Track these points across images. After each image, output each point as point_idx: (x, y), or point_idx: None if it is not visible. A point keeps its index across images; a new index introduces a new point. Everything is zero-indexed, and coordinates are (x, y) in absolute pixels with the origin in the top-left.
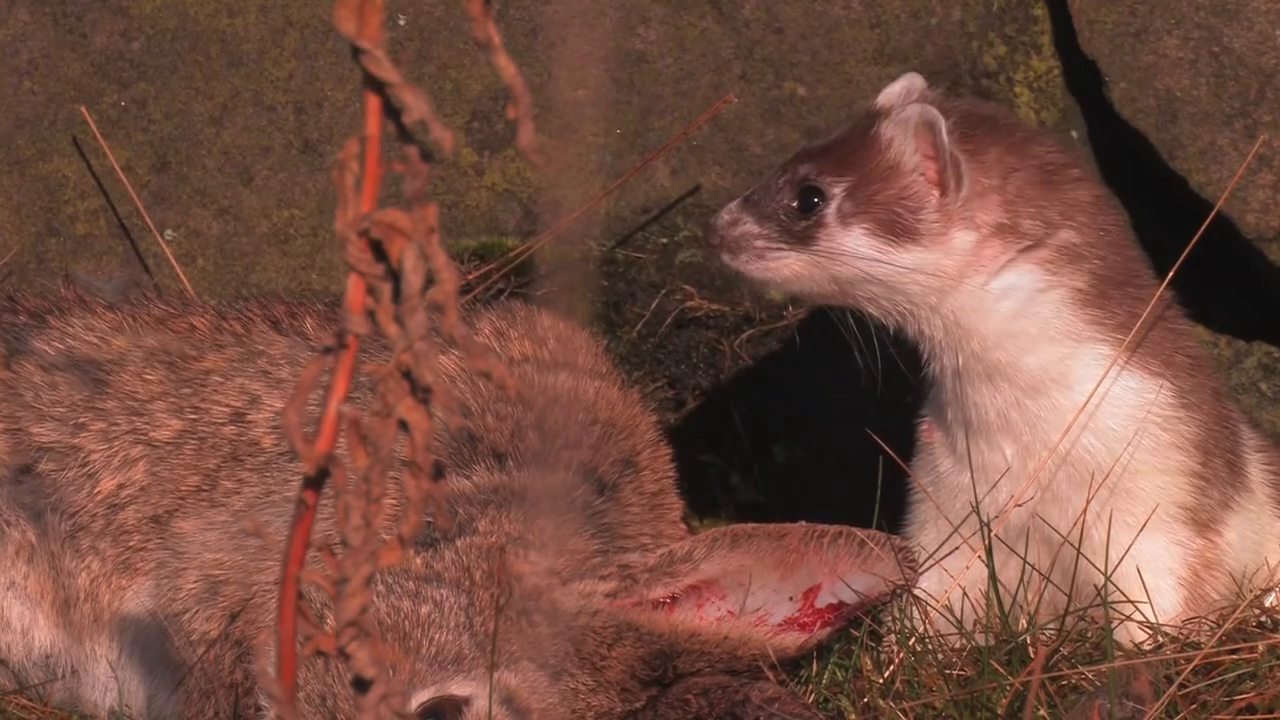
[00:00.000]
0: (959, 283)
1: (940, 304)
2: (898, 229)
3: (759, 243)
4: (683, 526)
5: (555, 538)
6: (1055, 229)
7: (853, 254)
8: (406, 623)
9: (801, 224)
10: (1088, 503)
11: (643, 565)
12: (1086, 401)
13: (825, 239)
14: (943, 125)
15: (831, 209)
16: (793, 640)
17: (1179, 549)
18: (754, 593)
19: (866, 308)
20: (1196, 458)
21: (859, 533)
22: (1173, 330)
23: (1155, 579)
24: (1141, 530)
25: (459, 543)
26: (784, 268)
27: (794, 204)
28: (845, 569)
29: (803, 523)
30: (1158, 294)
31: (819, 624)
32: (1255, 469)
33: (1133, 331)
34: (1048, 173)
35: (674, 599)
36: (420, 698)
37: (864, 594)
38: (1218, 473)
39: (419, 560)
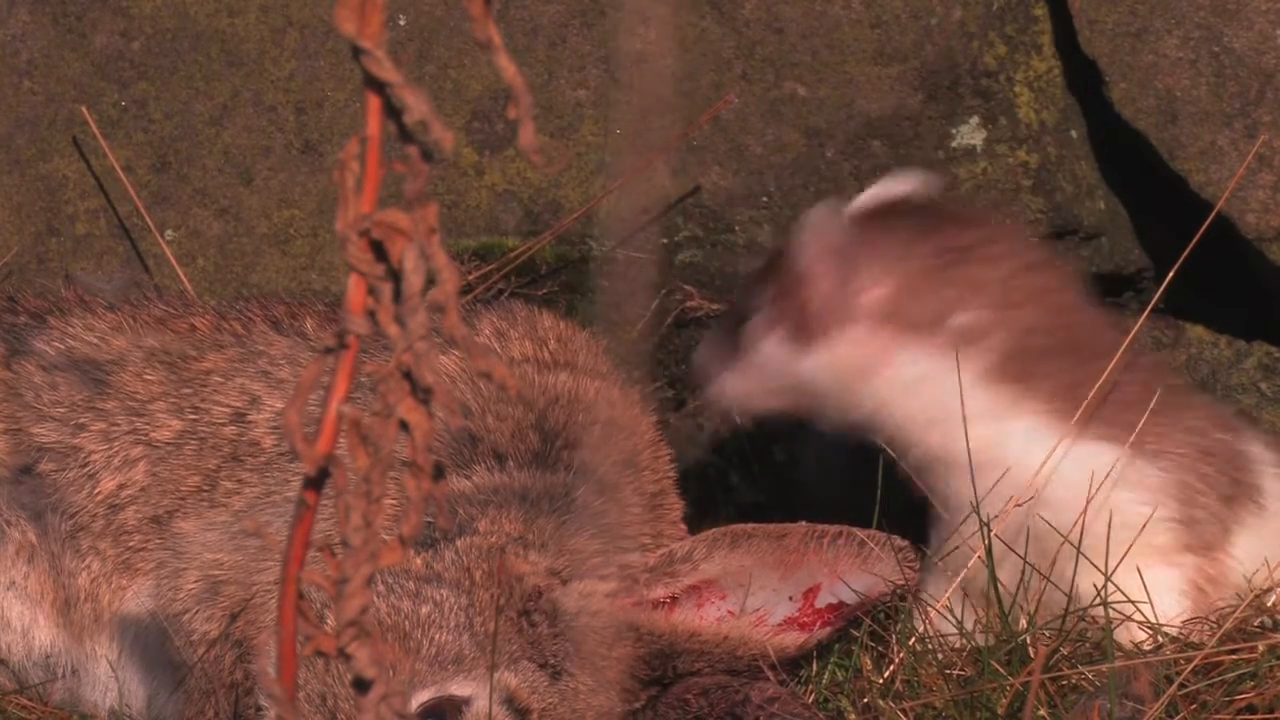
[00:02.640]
0: (867, 377)
1: (860, 400)
2: (804, 332)
3: (714, 367)
4: (683, 527)
5: (555, 538)
6: (950, 312)
7: (770, 362)
8: (406, 623)
9: (739, 340)
10: (1052, 563)
11: (643, 565)
12: (1043, 467)
13: (753, 352)
14: (837, 222)
15: (758, 321)
16: (793, 640)
17: (1177, 570)
18: (754, 593)
19: (816, 414)
20: (1173, 505)
21: (859, 533)
22: (1137, 377)
23: (1156, 595)
24: (1126, 558)
25: (459, 543)
26: (731, 388)
27: (736, 323)
28: (845, 569)
29: (803, 523)
30: (1158, 293)
31: (819, 624)
32: (1276, 486)
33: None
34: (948, 256)
35: (674, 599)
36: (420, 698)
37: (864, 594)
38: (1209, 509)
39: (419, 560)
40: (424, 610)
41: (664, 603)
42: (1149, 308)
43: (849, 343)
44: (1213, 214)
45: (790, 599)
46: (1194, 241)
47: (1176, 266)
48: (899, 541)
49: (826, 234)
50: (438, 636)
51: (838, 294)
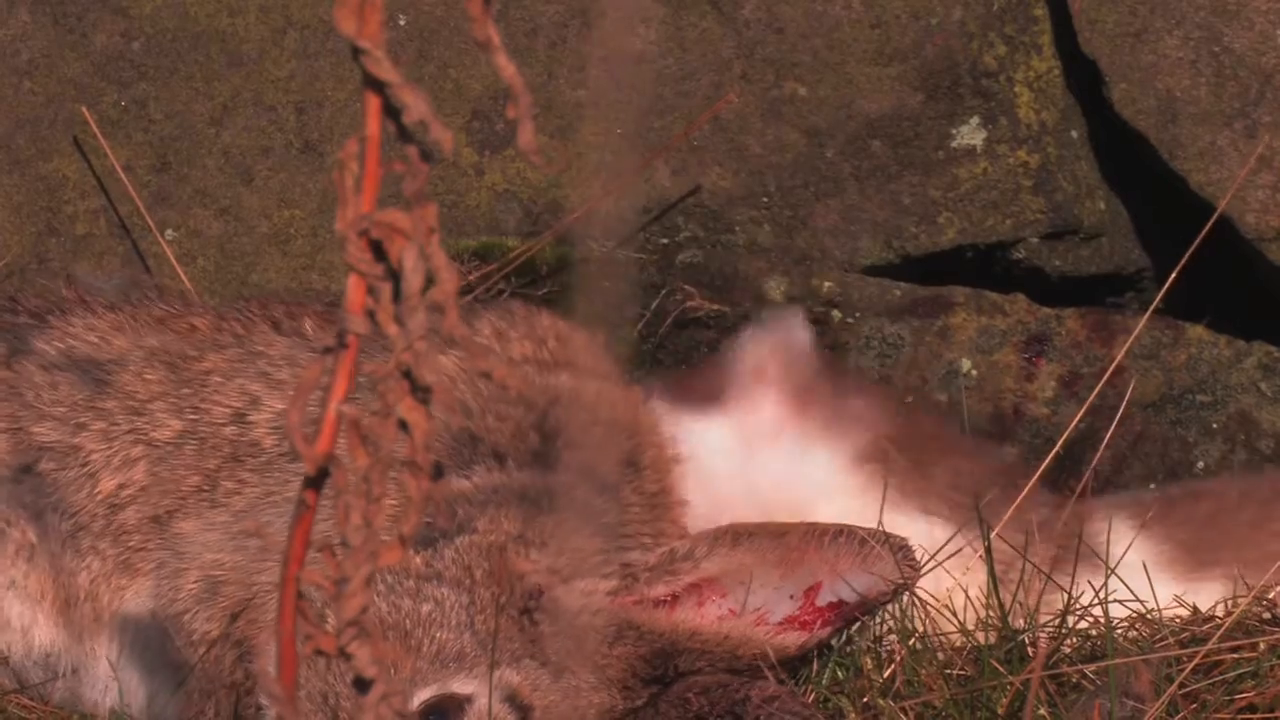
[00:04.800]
0: (757, 447)
1: (744, 471)
2: (704, 393)
3: None
4: (684, 525)
5: (556, 536)
6: (847, 397)
7: None
8: (408, 621)
9: None
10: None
11: (644, 564)
12: None
13: None
14: (798, 323)
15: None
16: (794, 639)
17: None
18: (755, 591)
19: None
20: None
21: (859, 531)
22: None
23: None
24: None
25: (459, 541)
26: None
27: None
28: (846, 567)
29: (803, 521)
30: (1160, 294)
31: (819, 623)
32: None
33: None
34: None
35: (675, 597)
36: (422, 696)
37: (864, 593)
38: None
39: (419, 559)
40: (425, 608)
41: (665, 601)
42: (1150, 308)
43: (753, 406)
44: (1215, 215)
45: (791, 597)
46: (1196, 242)
47: (1179, 268)
48: (899, 540)
49: (788, 329)
50: (439, 635)
51: (763, 368)
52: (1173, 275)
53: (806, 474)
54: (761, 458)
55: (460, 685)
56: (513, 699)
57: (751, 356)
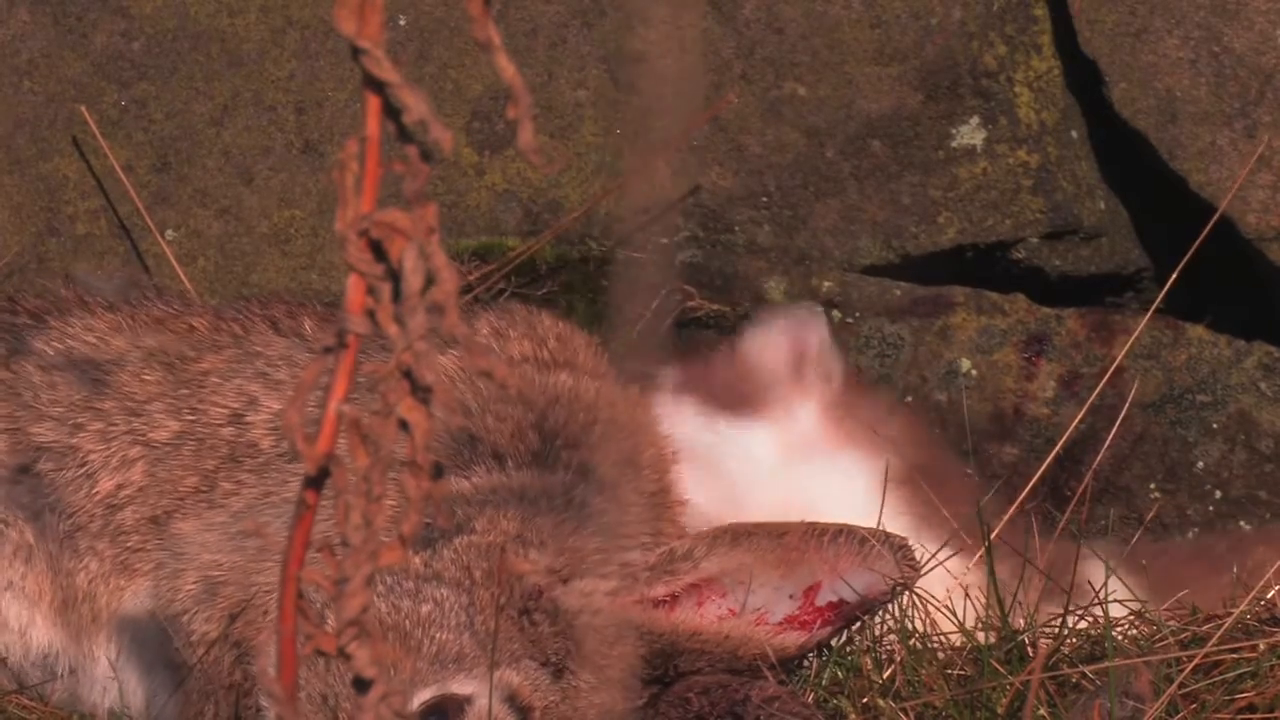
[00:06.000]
0: (804, 459)
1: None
2: (740, 402)
3: None
4: (683, 524)
5: (554, 536)
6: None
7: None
8: (407, 622)
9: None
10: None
11: (643, 564)
12: None
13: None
14: (817, 322)
15: (665, 379)
16: (794, 640)
17: None
18: (754, 591)
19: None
20: None
21: (859, 530)
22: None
23: None
24: None
25: (457, 542)
26: None
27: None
28: (845, 567)
29: (803, 520)
30: (1161, 295)
31: (819, 622)
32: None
33: None
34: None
35: (675, 597)
36: (422, 697)
37: (864, 593)
38: None
39: (418, 559)
40: (424, 609)
41: (665, 601)
42: (1150, 308)
43: (802, 419)
44: (1216, 216)
45: (791, 597)
46: (1197, 243)
47: (1180, 268)
48: (898, 539)
49: (806, 329)
50: (438, 635)
51: (795, 375)
52: (1173, 275)
53: (842, 491)
54: (797, 470)
55: (460, 686)
56: (513, 699)
57: (777, 356)
